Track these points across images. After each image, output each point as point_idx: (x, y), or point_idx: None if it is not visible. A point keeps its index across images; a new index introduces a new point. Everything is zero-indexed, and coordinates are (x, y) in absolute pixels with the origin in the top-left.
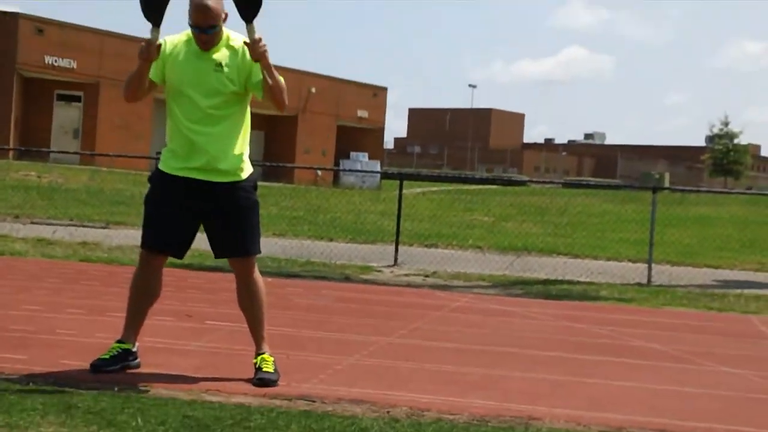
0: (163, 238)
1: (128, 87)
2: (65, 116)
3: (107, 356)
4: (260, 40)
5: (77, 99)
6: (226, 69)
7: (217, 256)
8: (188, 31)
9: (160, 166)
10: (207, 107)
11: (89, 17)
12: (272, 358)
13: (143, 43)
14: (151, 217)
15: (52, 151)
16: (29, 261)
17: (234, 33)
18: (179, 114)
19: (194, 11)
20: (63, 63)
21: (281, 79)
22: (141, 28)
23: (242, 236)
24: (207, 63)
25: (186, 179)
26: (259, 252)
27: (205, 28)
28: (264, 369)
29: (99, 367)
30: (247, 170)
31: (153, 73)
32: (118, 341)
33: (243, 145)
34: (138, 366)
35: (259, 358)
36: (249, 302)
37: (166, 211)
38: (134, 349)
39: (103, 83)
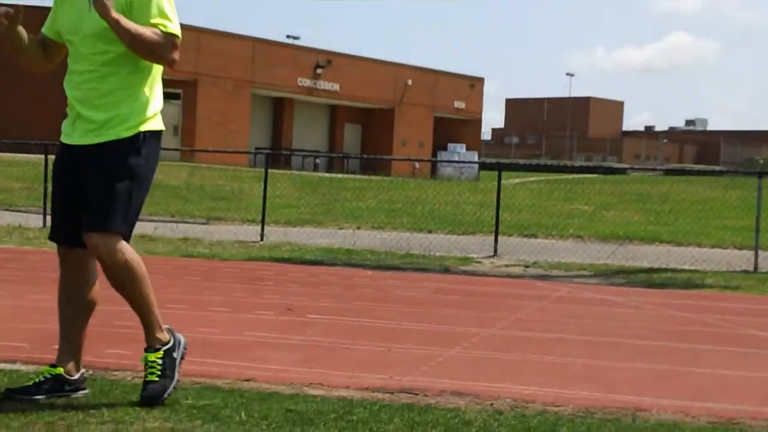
0: (61, 226)
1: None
2: (165, 113)
3: (30, 383)
4: None
5: (176, 96)
6: None
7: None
8: None
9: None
10: (87, 54)
11: (184, 15)
12: (159, 357)
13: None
14: (52, 202)
15: None
16: None
17: None
18: (69, 68)
19: None
20: None
21: (144, 32)
22: (237, 23)
23: (95, 206)
24: (83, 2)
25: (66, 147)
26: (119, 230)
27: None
28: (148, 379)
29: (15, 392)
30: (130, 129)
31: (45, 26)
32: (51, 365)
33: (131, 99)
34: (85, 395)
35: (143, 358)
36: (118, 289)
37: (56, 192)
38: (74, 376)
39: (201, 80)
